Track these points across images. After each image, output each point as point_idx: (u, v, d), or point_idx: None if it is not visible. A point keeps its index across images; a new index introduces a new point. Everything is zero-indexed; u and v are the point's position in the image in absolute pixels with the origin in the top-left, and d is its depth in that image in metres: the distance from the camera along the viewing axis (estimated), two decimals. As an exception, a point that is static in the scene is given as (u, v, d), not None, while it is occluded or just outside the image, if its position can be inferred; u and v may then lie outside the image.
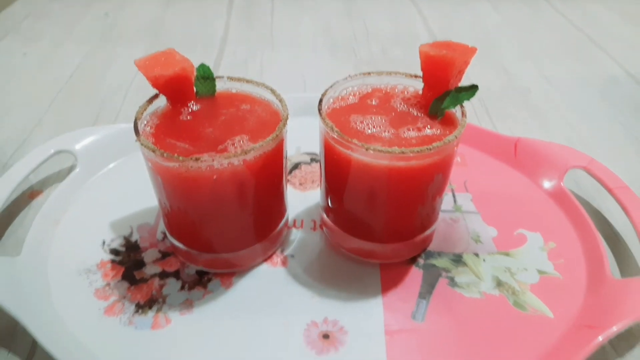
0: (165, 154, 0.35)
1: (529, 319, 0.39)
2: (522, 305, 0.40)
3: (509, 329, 0.38)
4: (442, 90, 0.40)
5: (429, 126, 0.39)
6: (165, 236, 0.45)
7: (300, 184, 0.52)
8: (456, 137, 0.37)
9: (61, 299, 0.40)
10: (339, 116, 0.40)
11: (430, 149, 0.35)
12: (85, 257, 0.44)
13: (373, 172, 0.37)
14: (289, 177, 0.52)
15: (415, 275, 0.42)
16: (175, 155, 0.35)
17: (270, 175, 0.39)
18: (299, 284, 0.42)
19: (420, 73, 0.41)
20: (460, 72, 0.40)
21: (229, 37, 0.85)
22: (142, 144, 0.36)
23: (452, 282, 0.42)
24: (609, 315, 0.36)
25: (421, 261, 0.44)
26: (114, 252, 0.44)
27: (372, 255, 0.43)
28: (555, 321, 0.38)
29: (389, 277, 0.42)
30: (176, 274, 0.43)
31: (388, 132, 0.38)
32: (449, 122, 0.40)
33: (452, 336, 0.38)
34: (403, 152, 0.35)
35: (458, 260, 0.44)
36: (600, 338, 0.35)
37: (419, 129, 0.39)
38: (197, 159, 0.34)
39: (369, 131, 0.39)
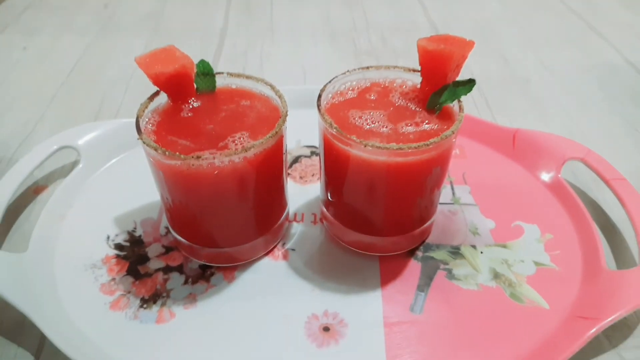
0: (167, 153, 0.35)
1: (525, 311, 0.40)
2: (518, 296, 0.41)
3: (506, 321, 0.39)
4: (440, 84, 0.40)
5: (426, 121, 0.39)
6: (168, 231, 0.46)
7: (301, 178, 0.52)
8: (453, 132, 0.37)
9: (68, 294, 0.41)
10: (337, 111, 0.41)
11: (427, 145, 0.36)
12: (90, 253, 0.44)
13: (371, 167, 0.38)
14: (289, 171, 0.53)
15: (413, 268, 0.43)
16: (177, 153, 0.35)
17: (270, 171, 0.40)
18: (300, 277, 0.43)
19: (418, 66, 0.41)
20: (458, 66, 0.40)
21: (229, 28, 0.84)
22: (144, 142, 0.36)
23: (450, 274, 0.42)
24: (603, 307, 0.37)
25: (420, 254, 0.44)
26: (119, 247, 0.45)
27: (372, 248, 0.44)
28: (550, 312, 0.39)
29: (388, 269, 0.43)
30: (180, 268, 0.43)
31: (386, 127, 0.39)
32: (447, 116, 0.40)
33: (450, 328, 0.39)
34: (401, 149, 0.36)
35: (456, 252, 0.44)
36: (594, 329, 0.36)
37: (417, 124, 0.39)
38: (198, 157, 0.35)
39: (368, 127, 0.39)
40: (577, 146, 0.51)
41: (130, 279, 0.42)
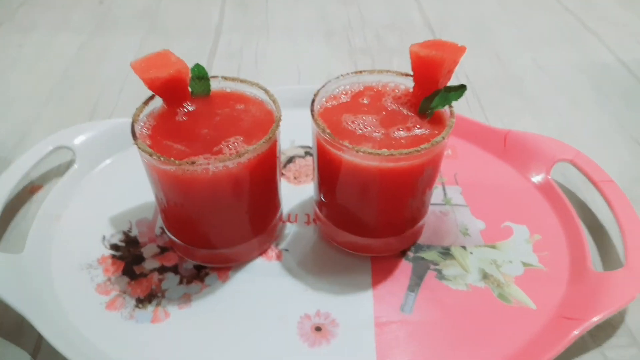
0: (162, 158, 0.36)
1: (513, 311, 0.41)
2: (506, 297, 0.42)
3: (493, 321, 0.40)
4: (432, 89, 0.40)
5: (418, 126, 0.40)
6: (163, 231, 0.47)
7: (295, 178, 0.53)
8: (444, 138, 0.38)
9: (65, 295, 0.42)
10: (331, 116, 0.41)
11: (418, 151, 0.36)
12: (86, 253, 0.45)
13: (364, 172, 0.38)
14: (283, 171, 0.53)
15: (404, 268, 0.44)
16: (172, 159, 0.36)
17: (264, 174, 0.41)
18: (293, 278, 0.43)
19: (410, 70, 0.42)
20: (450, 72, 0.40)
21: (224, 24, 0.85)
22: (139, 148, 0.37)
23: (440, 274, 0.43)
24: (588, 308, 0.38)
25: (411, 254, 0.45)
26: (114, 247, 0.46)
27: (364, 249, 0.45)
28: (537, 313, 0.40)
29: (379, 270, 0.44)
30: (174, 269, 0.44)
31: (379, 132, 0.40)
32: (438, 121, 0.41)
33: (439, 328, 0.40)
34: (392, 155, 0.36)
35: (446, 253, 0.45)
36: (578, 330, 0.37)
37: (408, 129, 0.40)
38: (192, 163, 0.36)
39: (360, 131, 0.40)
40: (566, 148, 0.52)
41: (125, 279, 0.43)
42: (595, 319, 0.37)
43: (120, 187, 0.51)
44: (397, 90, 0.44)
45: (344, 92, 0.44)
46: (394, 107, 0.42)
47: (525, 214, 0.48)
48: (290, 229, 0.48)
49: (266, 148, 0.38)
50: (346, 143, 0.37)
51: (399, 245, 0.45)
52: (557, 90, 0.68)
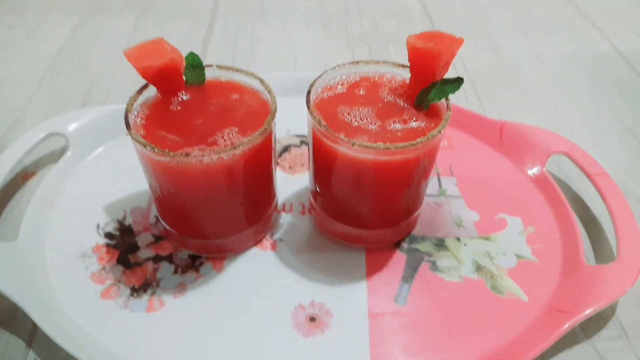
0: (156, 149, 0.36)
1: (505, 303, 0.41)
2: (499, 289, 0.42)
3: (486, 312, 0.40)
4: (429, 81, 0.40)
5: (414, 118, 0.40)
6: (158, 220, 0.47)
7: (290, 167, 0.53)
8: (440, 131, 0.38)
9: (59, 283, 0.42)
10: (326, 107, 0.41)
11: (414, 144, 0.36)
12: (81, 241, 0.45)
13: (359, 164, 0.38)
14: (278, 160, 0.53)
15: (399, 259, 0.44)
16: (166, 150, 0.36)
17: (259, 166, 0.41)
18: (288, 268, 0.44)
19: (407, 62, 0.41)
20: (447, 64, 0.40)
21: (219, 8, 0.83)
22: (133, 138, 0.37)
23: (434, 266, 0.44)
24: (580, 301, 0.39)
25: (405, 245, 0.45)
26: (109, 235, 0.46)
27: (358, 240, 0.45)
28: (529, 305, 0.41)
29: (374, 261, 0.44)
30: (169, 258, 0.44)
31: (374, 124, 0.39)
32: (434, 113, 0.41)
33: (432, 319, 0.40)
34: (387, 148, 0.36)
35: (440, 244, 0.45)
36: (569, 323, 0.37)
37: (404, 121, 0.40)
38: (187, 155, 0.35)
39: (356, 123, 0.39)
40: (562, 140, 0.52)
41: (120, 268, 0.43)
42: (587, 312, 0.38)
43: (115, 174, 0.51)
44: (393, 82, 0.43)
45: (340, 83, 0.44)
46: (391, 99, 0.42)
47: (519, 206, 0.48)
48: (285, 219, 0.48)
49: (261, 140, 0.38)
50: (342, 136, 0.37)
51: (394, 236, 0.45)
52: (553, 81, 0.68)
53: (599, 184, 0.47)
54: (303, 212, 0.48)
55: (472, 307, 0.41)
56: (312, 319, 0.40)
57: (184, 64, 0.41)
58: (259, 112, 0.41)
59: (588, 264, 0.42)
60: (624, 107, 0.63)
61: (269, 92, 0.41)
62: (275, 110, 0.40)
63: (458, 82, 0.40)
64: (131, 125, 0.38)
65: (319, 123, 0.38)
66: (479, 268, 0.43)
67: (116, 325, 0.39)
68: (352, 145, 0.36)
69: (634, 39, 0.76)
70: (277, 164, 0.53)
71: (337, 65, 0.43)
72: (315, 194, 0.46)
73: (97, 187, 0.50)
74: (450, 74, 0.40)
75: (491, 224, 0.47)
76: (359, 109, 0.41)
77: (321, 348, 0.38)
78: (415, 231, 0.47)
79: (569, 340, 0.39)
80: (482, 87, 0.66)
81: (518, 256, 0.44)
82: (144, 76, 0.39)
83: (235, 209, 0.42)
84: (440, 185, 0.51)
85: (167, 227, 0.44)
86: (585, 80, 0.68)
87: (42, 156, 0.55)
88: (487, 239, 0.46)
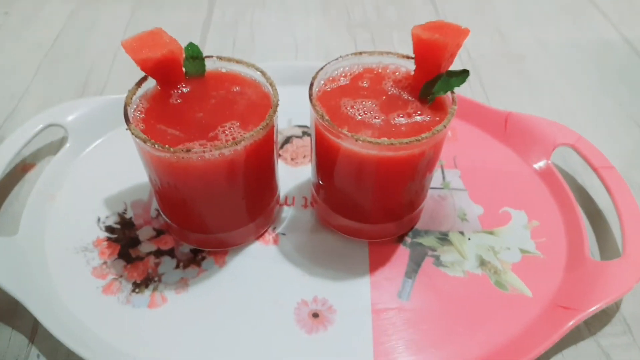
0: (156, 145, 0.35)
1: (509, 298, 0.41)
2: (502, 284, 0.42)
3: (490, 308, 0.40)
4: (434, 72, 0.39)
5: (419, 112, 0.39)
6: (159, 213, 0.46)
7: (292, 159, 0.52)
8: (445, 126, 0.37)
9: (60, 279, 0.41)
10: (329, 99, 0.40)
11: (418, 140, 0.36)
12: (81, 235, 0.45)
13: (363, 159, 0.38)
14: (280, 152, 0.53)
15: (402, 254, 0.44)
16: (166, 146, 0.35)
17: (261, 160, 0.40)
18: (290, 263, 0.43)
19: (411, 39, 0.40)
20: (452, 55, 0.39)
21: (219, -7, 0.82)
22: (133, 134, 0.36)
23: (438, 260, 0.43)
24: (584, 298, 0.38)
25: (408, 239, 0.45)
26: (110, 229, 0.45)
27: (361, 234, 0.45)
28: (533, 301, 0.40)
29: (377, 255, 0.44)
30: (171, 252, 0.44)
31: (378, 118, 0.39)
32: (439, 107, 0.40)
33: (435, 315, 0.40)
34: (392, 144, 0.35)
35: (444, 238, 0.45)
36: (574, 320, 0.37)
37: (409, 115, 0.39)
38: (188, 151, 0.35)
39: (360, 117, 0.39)
40: (568, 132, 0.51)
41: (121, 263, 0.43)
42: (591, 310, 0.37)
43: (114, 166, 0.50)
44: (397, 73, 0.43)
45: (343, 74, 0.43)
46: (394, 91, 0.41)
47: (524, 199, 0.48)
48: (287, 212, 0.47)
49: (263, 134, 0.37)
50: (345, 131, 0.36)
51: (397, 230, 0.45)
52: (559, 69, 0.67)
53: (605, 177, 0.46)
54: (305, 206, 0.48)
55: (476, 303, 0.40)
56: (315, 315, 0.40)
57: (184, 55, 0.40)
58: (260, 104, 0.40)
59: (593, 259, 0.42)
60: (630, 97, 0.62)
61: (271, 84, 0.40)
62: (277, 104, 0.39)
63: (464, 74, 0.39)
64: (130, 119, 0.37)
65: (322, 117, 0.37)
66: (482, 263, 0.43)
67: (118, 321, 0.39)
68: (356, 140, 0.36)
69: (642, 26, 0.75)
70: (279, 155, 0.52)
71: (340, 56, 0.42)
72: (317, 187, 0.45)
73: (97, 180, 0.49)
74: (454, 62, 0.39)
75: (495, 218, 0.47)
76: (362, 102, 0.40)
77: (324, 344, 0.38)
78: (419, 225, 0.46)
79: (573, 336, 0.39)
80: (487, 75, 0.65)
81: (522, 251, 0.44)
82: (143, 68, 0.39)
83: (237, 203, 0.41)
84: (444, 178, 0.50)
85: (168, 221, 0.44)
86: (591, 68, 0.67)
87: (41, 147, 0.54)
88: (491, 233, 0.45)
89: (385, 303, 0.40)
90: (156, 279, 0.42)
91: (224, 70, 0.43)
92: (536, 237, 0.45)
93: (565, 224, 0.45)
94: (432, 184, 0.49)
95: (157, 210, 0.47)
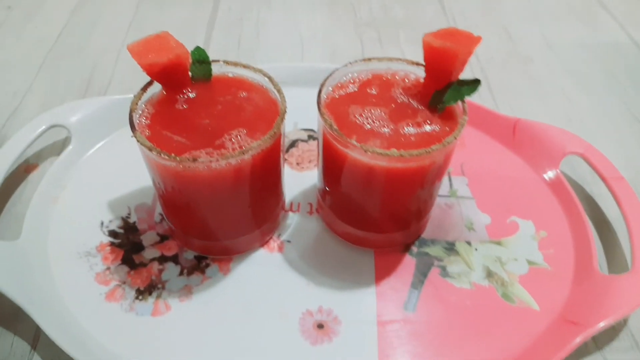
0: (162, 154, 0.34)
1: (516, 311, 0.40)
2: (509, 296, 0.41)
3: (496, 321, 0.40)
4: (445, 81, 0.39)
5: (428, 121, 0.38)
6: (163, 218, 0.46)
7: (297, 164, 0.51)
8: (455, 138, 0.36)
9: (63, 284, 0.41)
10: (337, 107, 0.40)
11: (428, 152, 0.35)
12: (84, 239, 0.44)
13: (371, 169, 0.37)
14: (285, 156, 0.52)
15: (408, 264, 0.43)
16: (172, 155, 0.34)
17: (268, 168, 0.39)
18: (295, 271, 0.43)
19: (419, 39, 0.39)
20: (463, 63, 0.39)
21: (224, -11, 0.81)
22: (138, 141, 0.35)
23: (444, 271, 0.43)
24: (592, 313, 0.38)
25: (415, 249, 0.45)
26: (113, 234, 0.45)
27: (367, 243, 0.44)
28: (540, 314, 0.40)
29: (383, 264, 0.43)
30: (175, 259, 0.43)
31: (387, 127, 0.38)
32: (449, 116, 0.39)
33: (441, 327, 0.39)
34: (402, 155, 0.35)
35: (451, 248, 0.45)
36: (581, 337, 0.36)
37: (418, 125, 0.38)
38: (194, 160, 0.34)
39: (368, 126, 0.38)
40: (577, 140, 0.50)
41: (125, 269, 0.42)
42: (599, 326, 0.37)
43: (118, 168, 0.50)
44: (406, 80, 0.42)
45: (352, 81, 0.42)
46: (404, 99, 0.40)
47: (532, 208, 0.47)
48: (292, 219, 0.47)
49: (270, 143, 0.37)
50: (354, 142, 0.36)
51: (403, 239, 0.45)
52: (567, 72, 0.66)
53: (615, 188, 0.46)
54: (311, 212, 0.47)
55: (483, 316, 0.40)
56: (320, 326, 0.39)
57: (190, 59, 0.39)
58: (267, 111, 0.39)
59: (601, 272, 0.41)
60: (638, 100, 0.61)
61: (278, 91, 0.40)
62: (285, 111, 0.38)
63: (475, 84, 0.38)
64: (136, 126, 0.37)
65: (331, 127, 0.37)
66: (489, 274, 0.43)
67: (122, 329, 0.39)
68: (365, 151, 0.35)
69: (652, 29, 0.74)
70: (285, 159, 0.51)
71: (349, 62, 0.42)
72: (323, 193, 0.45)
73: (101, 182, 0.49)
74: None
75: (502, 228, 0.46)
76: (371, 110, 0.39)
77: (329, 356, 0.38)
78: (425, 234, 0.46)
79: (579, 350, 0.38)
80: (495, 77, 0.64)
81: (529, 262, 0.43)
82: (149, 73, 0.38)
83: (242, 211, 0.41)
84: (451, 186, 0.50)
85: (172, 226, 0.44)
86: (600, 71, 0.66)
87: (44, 147, 0.53)
88: (499, 243, 0.45)
89: (391, 314, 0.40)
90: (160, 286, 0.42)
91: (230, 75, 0.42)
92: (544, 248, 0.44)
93: (573, 235, 0.45)
94: (439, 192, 0.48)
95: (161, 214, 0.46)
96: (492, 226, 0.46)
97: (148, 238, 0.45)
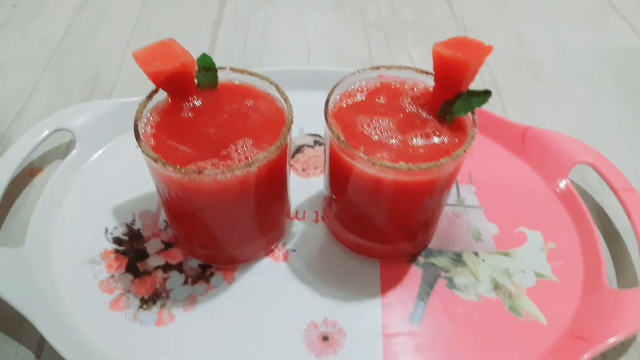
0: (167, 165, 0.34)
1: (523, 325, 0.40)
2: (517, 309, 0.41)
3: (503, 334, 0.39)
4: (454, 91, 0.38)
5: (437, 132, 0.38)
6: (167, 225, 0.46)
7: (303, 170, 0.51)
8: (465, 151, 0.36)
9: (67, 293, 0.41)
10: (345, 116, 0.39)
11: (437, 166, 0.35)
12: (88, 246, 0.44)
13: (378, 181, 0.37)
14: (291, 162, 0.51)
15: (414, 275, 0.43)
16: (178, 167, 0.34)
17: (274, 179, 0.39)
18: (300, 281, 0.42)
19: (429, 42, 0.39)
20: (474, 73, 0.38)
21: (230, -12, 0.80)
22: (143, 152, 0.35)
23: (451, 283, 0.42)
24: (601, 328, 0.37)
25: (421, 259, 0.44)
26: (117, 241, 0.45)
27: (373, 253, 0.44)
28: (548, 329, 0.39)
29: (388, 275, 0.43)
30: (179, 267, 0.43)
31: (395, 138, 0.37)
32: (459, 127, 0.38)
33: (447, 340, 0.39)
34: (410, 169, 0.34)
35: (458, 259, 0.44)
36: (589, 353, 0.36)
37: (427, 136, 0.38)
38: (200, 172, 0.34)
39: (376, 137, 0.38)
40: (587, 149, 0.49)
41: (129, 277, 0.42)
42: (608, 342, 0.36)
43: (123, 173, 0.49)
44: (415, 89, 0.41)
45: (359, 89, 0.41)
46: (412, 109, 0.40)
47: (540, 219, 0.47)
48: (298, 227, 0.46)
49: (277, 154, 0.36)
50: (362, 154, 0.35)
51: (410, 249, 0.44)
52: (578, 79, 0.65)
53: (625, 199, 0.45)
54: (316, 220, 0.47)
55: (489, 329, 0.40)
56: (325, 338, 0.39)
57: (196, 67, 0.39)
58: (274, 120, 0.39)
59: (610, 286, 0.41)
60: (651, 109, 0.60)
61: (285, 99, 0.39)
62: (292, 121, 0.38)
63: (485, 95, 0.38)
64: (141, 135, 0.36)
65: (338, 138, 0.36)
66: (497, 286, 0.42)
67: (126, 339, 0.39)
68: (373, 164, 0.35)
69: (664, 33, 0.73)
70: (291, 166, 0.51)
71: (357, 70, 0.41)
72: (329, 201, 0.44)
73: (105, 187, 0.48)
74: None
75: (510, 238, 0.45)
76: (379, 120, 0.39)
77: (334, 369, 0.37)
78: (432, 244, 0.45)
79: (588, 365, 0.38)
80: (504, 82, 0.64)
81: (538, 274, 0.43)
82: (155, 81, 0.37)
83: (248, 220, 0.40)
84: (458, 194, 0.49)
85: (177, 234, 0.43)
86: (612, 77, 0.65)
87: (49, 151, 0.53)
88: (506, 254, 0.44)
89: (397, 327, 0.40)
90: (164, 295, 0.41)
91: (236, 82, 0.41)
92: (552, 260, 0.44)
93: (582, 247, 0.44)
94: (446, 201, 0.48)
95: (166, 222, 0.46)
96: (499, 237, 0.46)
97: (152, 245, 0.44)
